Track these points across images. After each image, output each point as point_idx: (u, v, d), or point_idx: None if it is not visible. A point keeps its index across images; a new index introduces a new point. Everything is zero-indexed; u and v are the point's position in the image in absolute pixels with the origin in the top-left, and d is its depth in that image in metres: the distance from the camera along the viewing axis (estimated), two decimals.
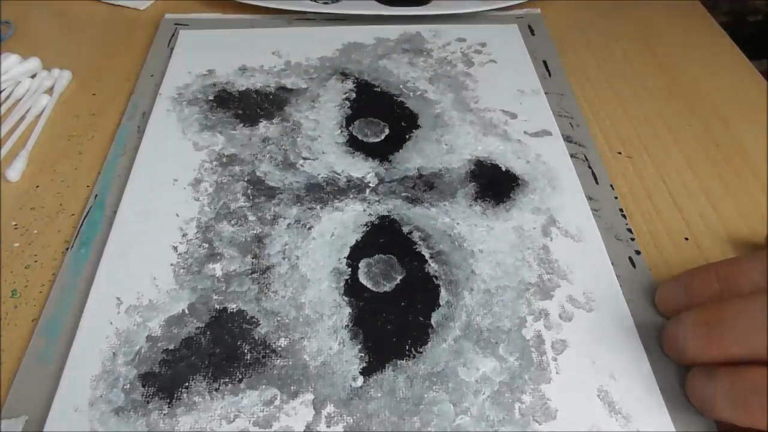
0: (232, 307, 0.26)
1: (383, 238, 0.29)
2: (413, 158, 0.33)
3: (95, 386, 0.23)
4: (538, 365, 0.24)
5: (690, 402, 0.23)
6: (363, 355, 0.24)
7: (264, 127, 0.35)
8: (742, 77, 0.40)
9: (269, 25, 0.43)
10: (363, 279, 0.27)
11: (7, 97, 0.37)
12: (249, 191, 0.31)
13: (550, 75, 0.39)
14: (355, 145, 0.34)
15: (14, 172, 0.32)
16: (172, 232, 0.29)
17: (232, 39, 0.42)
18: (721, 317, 0.21)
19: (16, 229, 0.30)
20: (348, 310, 0.26)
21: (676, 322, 0.23)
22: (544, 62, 0.40)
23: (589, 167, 0.33)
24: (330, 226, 0.29)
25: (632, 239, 0.29)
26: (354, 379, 0.24)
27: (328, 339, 0.25)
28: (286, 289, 0.27)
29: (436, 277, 0.27)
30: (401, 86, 0.38)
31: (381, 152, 0.33)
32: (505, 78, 0.38)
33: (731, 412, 0.20)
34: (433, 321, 0.26)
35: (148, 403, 0.23)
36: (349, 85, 0.38)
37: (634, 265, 0.28)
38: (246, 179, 0.32)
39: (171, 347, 0.25)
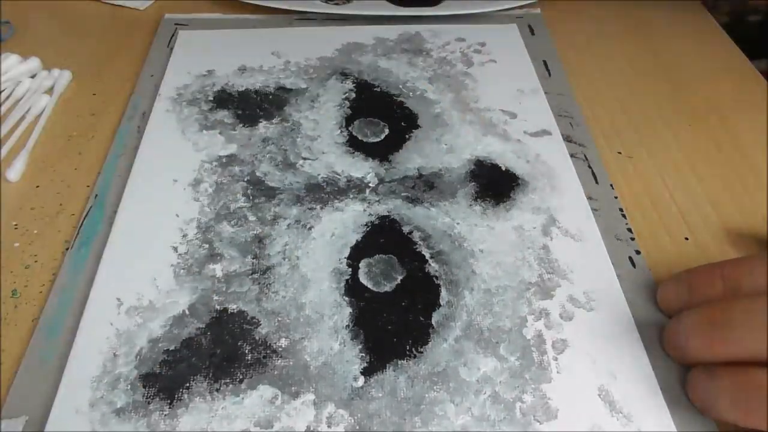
0: (232, 307, 0.26)
1: (383, 238, 0.29)
2: (413, 158, 0.33)
3: (96, 387, 0.23)
4: (539, 365, 0.24)
5: (691, 401, 0.23)
6: (364, 355, 0.24)
7: (264, 128, 0.35)
8: (742, 77, 0.40)
9: (269, 25, 0.43)
10: (363, 279, 0.27)
11: (7, 97, 0.37)
12: (249, 191, 0.31)
13: (550, 75, 0.39)
14: (354, 145, 0.34)
15: (14, 172, 0.32)
16: (172, 232, 0.29)
17: (231, 39, 0.42)
18: (723, 317, 0.21)
19: (16, 229, 0.30)
20: (348, 310, 0.26)
21: (678, 321, 0.23)
22: (544, 62, 0.40)
23: (589, 167, 0.33)
24: (330, 227, 0.29)
25: (632, 239, 0.29)
26: (355, 379, 0.24)
27: (329, 339, 0.25)
28: (286, 289, 0.27)
29: (436, 277, 0.27)
30: (401, 86, 0.38)
31: (381, 152, 0.33)
32: (505, 78, 0.38)
33: (732, 412, 0.20)
34: (433, 321, 0.26)
35: (149, 403, 0.23)
36: (349, 85, 0.38)
37: (634, 265, 0.28)
38: (246, 179, 0.32)
39: (171, 348, 0.25)
